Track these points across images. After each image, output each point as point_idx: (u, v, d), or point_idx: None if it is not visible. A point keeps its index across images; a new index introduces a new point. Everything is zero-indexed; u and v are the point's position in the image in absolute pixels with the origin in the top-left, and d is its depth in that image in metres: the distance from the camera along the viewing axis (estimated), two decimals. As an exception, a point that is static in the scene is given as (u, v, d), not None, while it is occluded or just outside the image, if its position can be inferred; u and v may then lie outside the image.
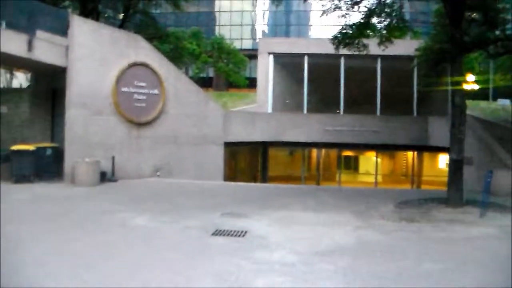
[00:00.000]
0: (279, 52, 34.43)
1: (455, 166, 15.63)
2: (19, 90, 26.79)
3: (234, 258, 8.68)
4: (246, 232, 10.83)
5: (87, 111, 19.51)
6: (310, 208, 14.59)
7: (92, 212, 13.02)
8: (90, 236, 10.22)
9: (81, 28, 19.57)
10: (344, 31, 19.24)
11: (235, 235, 10.54)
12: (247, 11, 75.13)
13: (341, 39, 19.35)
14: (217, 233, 10.71)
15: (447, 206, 14.76)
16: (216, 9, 73.76)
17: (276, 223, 12.01)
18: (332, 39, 19.64)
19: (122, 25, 30.82)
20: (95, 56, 19.79)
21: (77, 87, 19.26)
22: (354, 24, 19.03)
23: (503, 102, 33.87)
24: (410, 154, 35.92)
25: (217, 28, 70.32)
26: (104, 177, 19.30)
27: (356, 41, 19.56)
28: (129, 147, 20.84)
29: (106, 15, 35.72)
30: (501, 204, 14.80)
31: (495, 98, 39.47)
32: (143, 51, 21.39)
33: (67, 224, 11.51)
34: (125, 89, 20.54)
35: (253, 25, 75.50)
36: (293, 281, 7.48)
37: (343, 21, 19.29)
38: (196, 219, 12.24)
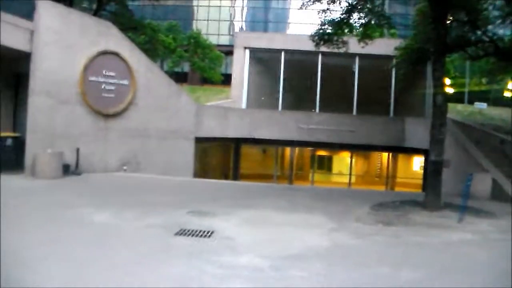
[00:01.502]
0: (256, 47, 33.90)
1: (434, 168, 15.08)
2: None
3: (197, 261, 7.93)
4: (212, 232, 10.10)
5: (52, 100, 18.50)
6: (282, 208, 13.90)
7: (48, 206, 12.16)
8: (40, 232, 9.38)
9: (48, 11, 18.51)
10: (324, 26, 18.70)
11: (201, 235, 9.79)
12: (225, 6, 74.30)
13: (321, 35, 18.80)
14: (181, 232, 9.95)
15: (425, 209, 14.20)
16: (194, 3, 72.84)
17: (245, 223, 11.30)
18: (311, 35, 19.09)
19: (96, 14, 29.81)
20: (62, 42, 18.78)
21: (41, 74, 18.21)
22: (333, 20, 18.49)
23: (480, 105, 33.69)
24: (385, 155, 35.61)
25: (194, 22, 69.40)
26: (67, 170, 18.38)
27: (336, 38, 19.02)
28: (95, 139, 19.91)
29: (82, 5, 34.61)
30: (478, 209, 14.32)
31: (470, 102, 39.34)
32: (114, 39, 20.47)
33: (17, 218, 10.59)
34: (93, 78, 19.61)
35: (231, 21, 74.71)
36: (261, 289, 6.80)
37: (323, 17, 18.72)
38: (160, 216, 11.47)
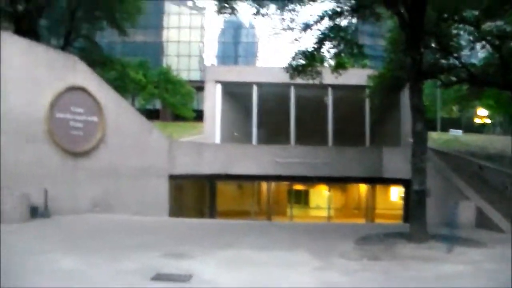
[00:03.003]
0: (227, 80, 33.47)
1: (417, 198, 14.57)
2: None
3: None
4: (191, 275, 9.32)
5: (18, 138, 17.62)
6: (263, 246, 13.20)
7: (12, 253, 11.24)
8: None
9: (11, 46, 17.75)
10: (297, 57, 18.40)
11: (179, 280, 9.02)
12: (195, 42, 74.43)
13: (295, 66, 18.50)
14: (157, 277, 9.16)
15: (410, 241, 13.63)
16: (164, 39, 72.79)
17: (225, 264, 10.57)
18: (285, 67, 18.77)
19: (63, 50, 29.16)
20: (27, 77, 18.07)
21: (6, 111, 17.30)
22: (306, 50, 18.18)
23: (455, 132, 33.72)
24: (363, 186, 35.15)
25: (164, 58, 69.18)
26: (35, 213, 17.36)
27: (310, 69, 18.71)
28: (64, 179, 19.02)
29: (48, 39, 33.99)
30: (466, 238, 13.80)
31: (443, 130, 39.46)
32: (81, 74, 19.83)
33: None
34: (60, 115, 18.88)
35: (201, 56, 74.75)
36: None
37: (295, 46, 18.44)
38: (134, 260, 10.66)
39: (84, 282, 8.84)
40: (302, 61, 18.48)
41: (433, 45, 20.15)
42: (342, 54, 19.46)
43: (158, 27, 72.09)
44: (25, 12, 28.59)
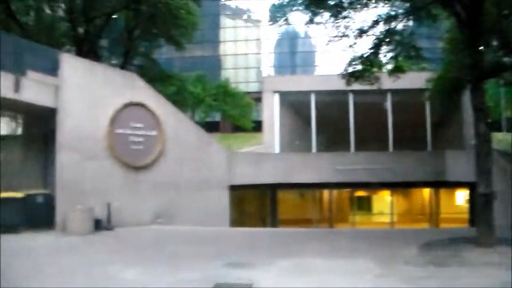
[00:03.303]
0: (285, 90, 33.34)
1: (484, 201, 14.03)
2: (14, 136, 25.70)
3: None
4: (251, 285, 9.26)
5: (79, 155, 18.13)
6: (324, 254, 13.01)
7: (76, 266, 11.52)
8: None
9: (72, 66, 18.43)
10: (354, 63, 18.16)
11: (239, 290, 8.98)
12: (252, 53, 74.79)
13: (351, 73, 18.26)
14: (218, 286, 9.13)
15: (478, 246, 13.12)
16: (221, 52, 73.49)
17: (286, 273, 10.46)
18: (342, 73, 18.54)
19: (122, 68, 29.89)
20: (87, 96, 18.58)
21: (68, 130, 17.95)
22: (362, 55, 17.92)
23: (522, 132, 32.37)
24: (426, 191, 34.27)
25: (222, 71, 69.80)
26: (99, 225, 17.78)
27: (367, 74, 18.41)
28: (126, 193, 19.37)
29: (108, 58, 34.95)
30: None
31: (509, 130, 37.96)
32: (140, 90, 20.21)
33: (42, 279, 9.98)
34: (120, 130, 19.26)
35: (258, 68, 74.99)
36: None
37: (351, 53, 18.20)
38: (195, 270, 10.71)
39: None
40: (359, 67, 18.22)
41: (494, 43, 19.48)
42: (399, 58, 19.11)
43: (215, 41, 72.94)
44: (85, 34, 29.53)
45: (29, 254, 13.47)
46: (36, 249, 14.36)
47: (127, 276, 10.17)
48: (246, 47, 75.57)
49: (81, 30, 29.96)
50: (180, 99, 36.68)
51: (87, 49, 28.09)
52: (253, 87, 67.06)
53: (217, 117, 56.37)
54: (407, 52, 18.24)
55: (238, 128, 53.39)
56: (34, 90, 17.50)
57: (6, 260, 12.18)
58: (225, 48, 74.35)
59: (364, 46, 18.07)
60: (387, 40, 17.59)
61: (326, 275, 10.23)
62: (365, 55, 17.91)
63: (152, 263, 11.66)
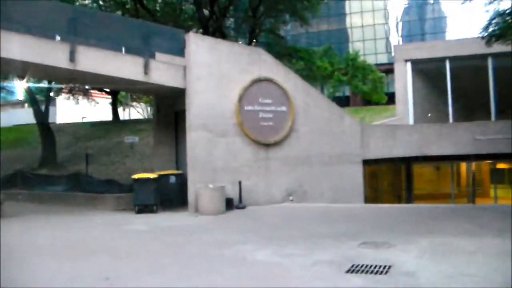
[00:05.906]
0: (417, 58, 31.64)
1: None
2: (147, 119, 26.58)
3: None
4: (389, 267, 8.38)
5: (209, 134, 18.05)
6: (468, 232, 11.70)
7: (208, 245, 11.24)
8: (194, 277, 8.37)
9: (198, 45, 18.29)
10: (494, 20, 16.46)
11: (375, 272, 8.14)
12: (379, 24, 72.38)
13: (492, 32, 16.56)
14: (353, 269, 8.37)
15: None
16: (348, 25, 71.83)
17: (427, 253, 9.41)
18: (481, 33, 16.89)
19: (249, 45, 29.82)
20: (215, 74, 18.39)
21: (197, 109, 17.91)
22: (505, 11, 16.17)
23: None
24: None
25: (350, 45, 68.30)
26: (230, 204, 17.66)
27: (511, 32, 16.60)
28: (257, 171, 19.07)
29: (234, 37, 35.15)
30: None
31: None
32: (266, 65, 19.68)
33: (172, 260, 9.88)
34: (249, 107, 18.90)
35: (387, 38, 72.47)
36: None
37: (490, 10, 16.50)
38: (329, 251, 10.01)
39: (279, 274, 8.38)
40: (502, 23, 16.46)
41: None
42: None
43: (341, 14, 71.47)
44: (210, 15, 29.73)
45: (157, 232, 13.80)
46: (166, 227, 14.68)
47: (259, 257, 9.68)
48: (373, 18, 73.26)
49: (206, 11, 30.22)
50: (308, 74, 36.14)
51: (213, 30, 28.29)
52: (382, 59, 65.04)
53: (346, 91, 55.21)
54: None
55: (368, 102, 51.99)
56: (163, 71, 17.76)
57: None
58: (352, 21, 72.53)
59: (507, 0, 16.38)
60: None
61: (472, 256, 9.06)
62: (507, 11, 16.13)
63: (286, 243, 11.09)
